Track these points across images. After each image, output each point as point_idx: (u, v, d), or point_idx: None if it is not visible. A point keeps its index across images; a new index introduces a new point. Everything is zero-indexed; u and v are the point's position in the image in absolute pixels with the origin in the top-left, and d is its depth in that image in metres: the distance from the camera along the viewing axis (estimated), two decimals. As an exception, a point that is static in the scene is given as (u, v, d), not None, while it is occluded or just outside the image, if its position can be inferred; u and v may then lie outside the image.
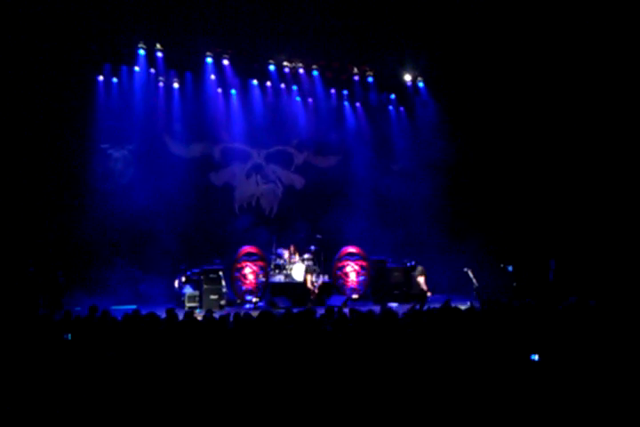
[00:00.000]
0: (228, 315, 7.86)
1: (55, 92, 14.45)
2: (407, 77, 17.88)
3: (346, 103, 18.53)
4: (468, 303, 13.58)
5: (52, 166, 14.73)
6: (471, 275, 14.53)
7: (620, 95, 15.00)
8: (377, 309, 8.65)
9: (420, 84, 18.23)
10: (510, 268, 15.22)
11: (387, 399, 4.66)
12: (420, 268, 13.78)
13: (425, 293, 13.43)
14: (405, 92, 18.46)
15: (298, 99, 18.07)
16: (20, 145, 14.20)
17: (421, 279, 13.61)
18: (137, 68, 15.83)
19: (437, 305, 9.49)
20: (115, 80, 15.97)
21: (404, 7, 14.47)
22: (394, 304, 15.04)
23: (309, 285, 15.06)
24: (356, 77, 17.72)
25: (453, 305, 8.87)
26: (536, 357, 5.41)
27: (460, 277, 14.88)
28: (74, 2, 13.17)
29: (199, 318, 7.83)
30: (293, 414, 4.51)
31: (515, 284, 14.98)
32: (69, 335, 4.85)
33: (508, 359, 5.46)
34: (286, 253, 15.98)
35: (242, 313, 8.01)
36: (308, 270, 15.18)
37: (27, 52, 13.79)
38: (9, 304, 11.56)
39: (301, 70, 17.18)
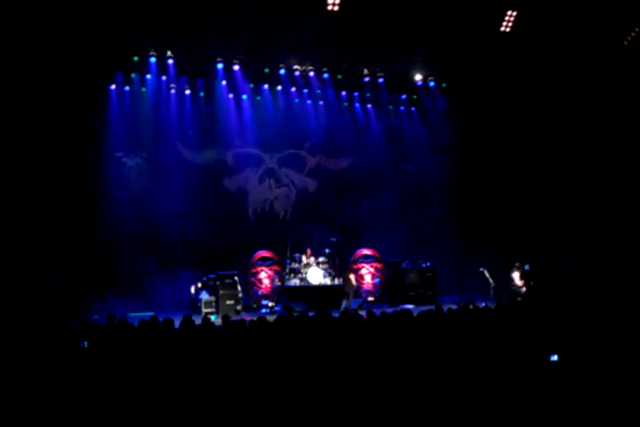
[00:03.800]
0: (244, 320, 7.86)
1: (69, 102, 14.57)
2: (418, 77, 17.81)
3: (357, 105, 18.52)
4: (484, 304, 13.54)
5: (68, 175, 14.85)
6: (487, 274, 14.48)
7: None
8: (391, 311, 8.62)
9: (432, 84, 18.16)
10: (527, 267, 15.11)
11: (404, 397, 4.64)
12: (517, 264, 14.03)
13: (520, 288, 13.74)
14: (416, 92, 18.40)
15: (309, 102, 18.09)
16: (35, 154, 14.35)
17: (516, 275, 13.91)
18: (149, 76, 15.94)
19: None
20: (127, 88, 16.08)
21: (413, 7, 14.45)
22: (410, 306, 14.99)
23: (354, 283, 15.11)
24: (367, 79, 17.68)
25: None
26: (555, 357, 5.36)
27: (476, 276, 14.82)
28: (85, 10, 13.27)
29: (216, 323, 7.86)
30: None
31: (532, 283, 14.86)
32: (85, 343, 4.88)
33: (526, 359, 5.42)
34: (303, 257, 15.97)
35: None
36: (350, 270, 15.25)
37: (39, 62, 13.94)
38: (28, 312, 11.67)
39: (312, 73, 17.18)
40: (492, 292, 14.30)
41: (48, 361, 5.47)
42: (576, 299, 10.52)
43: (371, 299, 16.63)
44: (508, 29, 15.12)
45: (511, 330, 6.51)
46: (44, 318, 10.85)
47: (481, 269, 14.59)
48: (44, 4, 12.92)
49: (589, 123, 16.17)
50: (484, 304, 12.53)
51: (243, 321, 7.91)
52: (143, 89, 16.21)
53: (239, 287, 14.88)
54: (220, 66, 16.25)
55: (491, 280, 14.35)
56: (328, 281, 15.77)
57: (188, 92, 16.77)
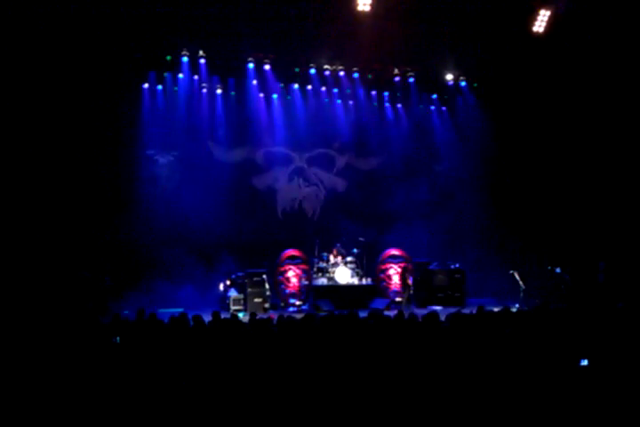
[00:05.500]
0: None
1: (102, 101, 14.84)
2: (449, 76, 17.67)
3: (387, 105, 18.43)
4: (517, 306, 13.41)
5: (102, 173, 15.13)
6: (517, 277, 14.30)
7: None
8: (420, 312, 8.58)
9: (463, 84, 18.00)
10: (558, 269, 14.90)
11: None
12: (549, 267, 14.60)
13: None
14: (447, 91, 18.24)
15: (339, 101, 18.08)
16: (70, 152, 14.64)
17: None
18: (181, 75, 16.14)
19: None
20: (159, 87, 16.31)
21: (446, 7, 14.33)
22: (438, 307, 14.89)
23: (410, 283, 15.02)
24: (397, 78, 17.61)
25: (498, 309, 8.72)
26: (586, 362, 5.28)
27: (506, 279, 14.66)
28: (118, 11, 13.47)
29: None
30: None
31: (563, 286, 14.64)
32: (118, 338, 4.97)
33: (556, 364, 5.34)
34: (330, 257, 15.97)
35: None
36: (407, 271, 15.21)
37: (73, 62, 14.20)
38: (60, 308, 11.91)
39: (342, 73, 17.17)
40: (522, 295, 14.12)
41: (80, 357, 5.58)
42: (608, 304, 10.32)
43: (398, 299, 16.54)
44: (540, 29, 14.89)
45: (541, 334, 6.42)
46: (75, 314, 11.07)
47: (511, 272, 14.43)
48: (78, 3, 13.14)
49: (622, 124, 15.85)
50: (517, 306, 12.44)
51: (269, 319, 7.97)
52: (175, 88, 16.42)
53: (267, 286, 14.99)
54: (250, 65, 16.35)
55: (521, 283, 14.17)
56: (355, 281, 15.76)
57: (219, 91, 16.93)
